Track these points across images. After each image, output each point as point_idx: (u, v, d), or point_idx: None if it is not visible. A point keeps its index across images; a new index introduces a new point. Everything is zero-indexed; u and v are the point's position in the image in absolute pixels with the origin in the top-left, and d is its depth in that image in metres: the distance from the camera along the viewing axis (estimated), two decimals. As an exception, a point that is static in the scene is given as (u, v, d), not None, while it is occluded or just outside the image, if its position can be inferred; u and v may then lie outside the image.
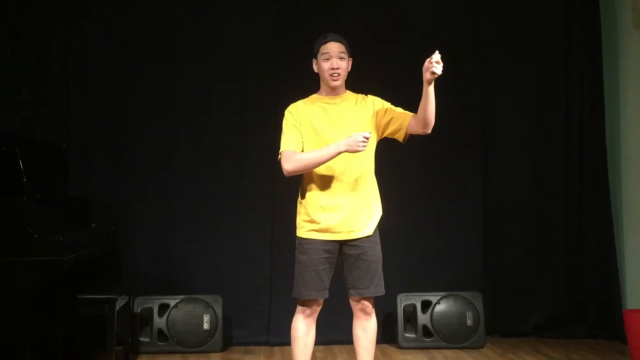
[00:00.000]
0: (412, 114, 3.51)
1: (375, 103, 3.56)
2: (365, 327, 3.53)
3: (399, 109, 3.55)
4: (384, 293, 3.53)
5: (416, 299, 5.22)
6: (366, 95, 3.59)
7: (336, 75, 3.46)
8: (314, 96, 3.58)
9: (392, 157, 5.14)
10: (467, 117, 5.52)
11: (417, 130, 3.47)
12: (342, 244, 3.48)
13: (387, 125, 3.53)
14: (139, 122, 5.33)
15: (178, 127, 5.37)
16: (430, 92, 3.33)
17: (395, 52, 5.38)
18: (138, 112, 5.33)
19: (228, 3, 5.42)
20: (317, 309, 3.51)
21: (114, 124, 5.32)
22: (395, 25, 5.47)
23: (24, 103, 5.21)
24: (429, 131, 3.47)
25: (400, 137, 3.54)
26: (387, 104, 3.57)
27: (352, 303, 3.54)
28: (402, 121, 3.50)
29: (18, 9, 5.23)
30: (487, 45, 5.57)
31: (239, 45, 5.39)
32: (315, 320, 3.54)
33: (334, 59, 3.45)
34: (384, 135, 3.56)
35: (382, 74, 5.24)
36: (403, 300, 5.20)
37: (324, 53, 3.46)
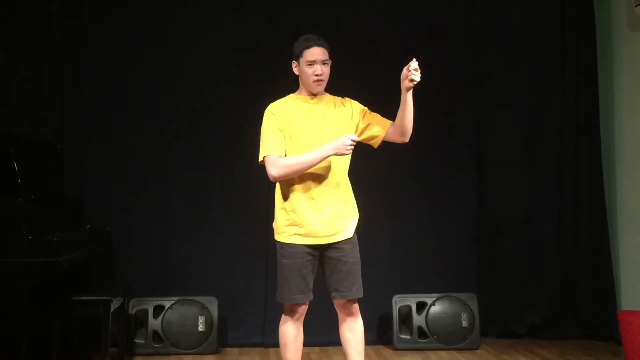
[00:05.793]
0: (390, 121, 3.46)
1: (353, 106, 3.50)
2: (353, 328, 3.49)
3: (377, 115, 3.50)
4: (362, 295, 3.49)
5: (411, 300, 5.21)
6: (344, 97, 3.54)
7: (320, 81, 3.40)
8: (293, 96, 3.49)
9: (386, 159, 5.16)
10: (463, 119, 5.54)
11: (395, 138, 3.45)
12: (324, 247, 3.43)
13: (364, 130, 3.48)
14: (134, 123, 5.33)
15: (173, 128, 5.37)
16: (409, 100, 3.31)
17: (390, 53, 5.37)
18: (132, 113, 5.33)
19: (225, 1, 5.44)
20: (304, 312, 3.47)
21: (109, 124, 5.32)
22: (390, 25, 5.47)
23: (20, 103, 5.20)
24: (407, 140, 3.43)
25: (375, 143, 3.51)
26: (366, 109, 3.52)
27: (337, 306, 3.51)
28: (380, 128, 3.45)
29: (13, 9, 5.22)
30: (482, 46, 5.57)
31: (233, 44, 5.39)
32: (302, 323, 3.50)
33: (318, 65, 3.37)
34: (360, 140, 3.44)
35: (377, 74, 5.24)
36: (398, 302, 5.20)
37: (309, 59, 3.36)
